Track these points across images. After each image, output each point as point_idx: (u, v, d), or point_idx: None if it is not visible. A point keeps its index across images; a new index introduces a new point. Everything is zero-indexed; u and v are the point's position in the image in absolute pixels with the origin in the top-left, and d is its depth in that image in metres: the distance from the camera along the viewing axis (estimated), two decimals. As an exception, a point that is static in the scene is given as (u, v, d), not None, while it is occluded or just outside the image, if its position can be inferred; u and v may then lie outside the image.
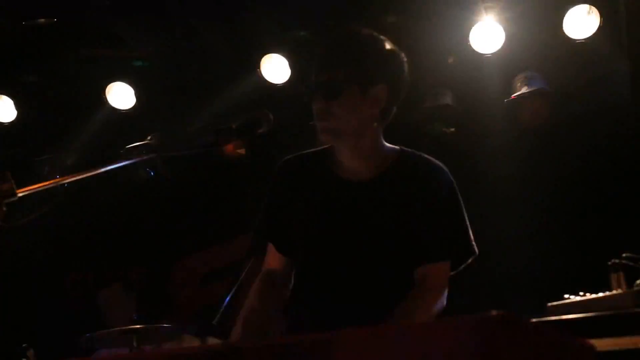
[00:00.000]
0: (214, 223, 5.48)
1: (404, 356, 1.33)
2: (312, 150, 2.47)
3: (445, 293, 2.34)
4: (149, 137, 5.39)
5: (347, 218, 2.35)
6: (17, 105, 4.90)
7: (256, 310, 2.39)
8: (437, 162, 2.43)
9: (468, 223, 2.39)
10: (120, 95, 4.82)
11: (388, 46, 2.36)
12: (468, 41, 4.29)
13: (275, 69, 4.58)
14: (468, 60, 4.45)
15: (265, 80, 4.60)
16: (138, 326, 3.93)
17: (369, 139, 2.35)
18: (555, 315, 2.81)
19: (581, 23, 4.15)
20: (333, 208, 2.37)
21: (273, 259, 2.48)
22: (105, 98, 4.80)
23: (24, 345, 3.67)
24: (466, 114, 4.77)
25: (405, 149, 2.45)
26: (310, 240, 2.38)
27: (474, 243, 2.38)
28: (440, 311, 2.31)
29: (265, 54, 4.53)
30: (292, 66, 4.52)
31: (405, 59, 2.39)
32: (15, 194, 2.05)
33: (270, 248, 2.49)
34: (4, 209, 2.01)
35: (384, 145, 2.41)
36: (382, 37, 2.38)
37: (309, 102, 2.31)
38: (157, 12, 4.17)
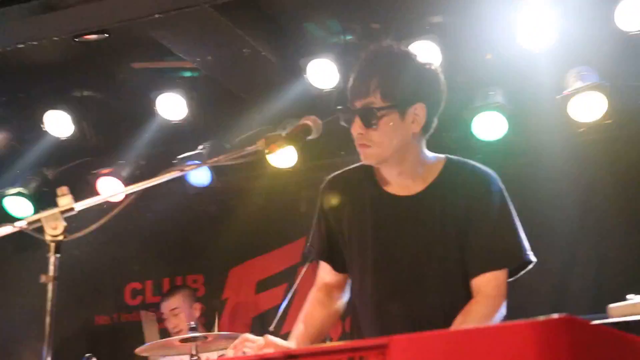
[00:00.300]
0: (267, 229, 5.52)
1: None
2: (357, 165, 2.47)
3: (504, 302, 2.31)
4: (200, 147, 5.48)
5: (399, 233, 2.36)
6: (74, 120, 5.02)
7: (315, 318, 2.44)
8: (485, 169, 2.41)
9: (519, 229, 2.35)
10: (172, 106, 4.89)
11: (421, 62, 2.35)
12: (517, 38, 4.22)
13: (323, 74, 4.58)
14: (518, 57, 4.38)
15: (313, 86, 4.60)
16: (197, 334, 3.96)
17: (412, 156, 2.36)
18: (617, 317, 2.75)
19: (635, 14, 4.04)
20: (384, 224, 2.38)
21: (327, 275, 2.51)
22: (157, 109, 4.88)
23: (87, 355, 3.75)
24: (518, 112, 4.69)
25: (451, 157, 2.44)
26: (365, 257, 2.39)
27: (527, 249, 2.35)
28: (500, 321, 2.28)
29: (312, 59, 4.54)
30: (340, 71, 4.51)
31: (439, 71, 2.38)
32: (74, 208, 2.11)
33: (324, 265, 2.52)
34: (64, 222, 2.08)
35: (428, 156, 2.41)
36: (413, 52, 2.38)
37: (347, 126, 2.32)
38: (203, 23, 4.21)
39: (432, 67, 2.38)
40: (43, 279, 2.10)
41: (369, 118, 2.27)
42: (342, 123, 2.35)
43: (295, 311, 2.61)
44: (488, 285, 2.29)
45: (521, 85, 4.67)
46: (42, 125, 5.02)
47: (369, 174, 2.43)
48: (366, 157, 2.34)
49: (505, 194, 2.37)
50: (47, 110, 5.00)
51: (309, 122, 2.37)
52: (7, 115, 5.21)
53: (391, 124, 2.27)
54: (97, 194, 5.04)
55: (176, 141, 5.11)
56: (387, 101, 2.27)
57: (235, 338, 4.20)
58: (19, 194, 5.40)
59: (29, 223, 2.10)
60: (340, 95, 4.36)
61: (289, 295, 3.68)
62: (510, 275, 2.34)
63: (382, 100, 2.27)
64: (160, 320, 5.22)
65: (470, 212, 2.31)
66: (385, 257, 2.36)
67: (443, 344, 1.45)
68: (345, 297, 2.52)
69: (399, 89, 2.28)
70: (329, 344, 1.56)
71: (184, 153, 4.94)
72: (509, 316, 2.26)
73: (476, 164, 2.43)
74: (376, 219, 2.39)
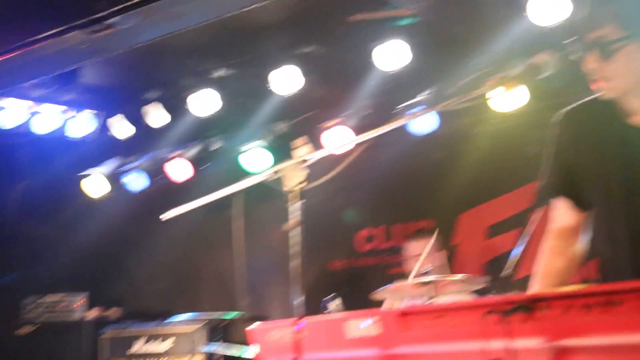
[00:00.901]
0: (496, 174, 5.42)
1: None
2: (594, 97, 2.32)
3: None
4: (422, 94, 5.46)
5: None
6: (301, 75, 5.23)
7: (553, 270, 2.36)
8: None
9: None
10: (392, 55, 4.90)
11: None
12: None
13: (547, 8, 4.32)
14: None
15: (538, 23, 4.37)
16: (434, 277, 4.01)
17: None
18: None
19: None
20: (634, 158, 2.22)
21: (564, 214, 2.41)
22: (377, 59, 4.93)
23: (332, 295, 3.96)
24: None
25: None
26: (614, 194, 2.26)
27: None
28: None
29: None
30: (567, 3, 4.23)
31: None
32: (314, 157, 2.21)
33: (561, 204, 2.42)
34: (306, 170, 2.19)
35: None
36: None
37: (580, 60, 2.19)
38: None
39: None
40: (286, 227, 2.23)
41: (605, 51, 2.14)
42: (574, 58, 2.22)
43: (529, 257, 2.53)
44: None
45: None
46: (268, 84, 5.28)
47: (609, 106, 2.28)
48: (605, 92, 2.21)
49: None
50: (274, 68, 5.24)
51: (540, 60, 2.27)
52: (238, 75, 5.54)
53: (630, 55, 2.13)
54: (323, 145, 5.24)
55: (398, 89, 5.15)
56: (625, 31, 2.12)
57: (468, 282, 4.22)
58: (260, 146, 5.76)
59: (274, 172, 2.23)
60: (569, 28, 4.09)
61: (523, 241, 3.59)
62: None
63: (620, 31, 2.12)
64: (391, 265, 5.34)
65: None
66: (638, 192, 2.21)
67: None
68: (584, 239, 2.41)
69: (638, 16, 2.11)
70: (582, 287, 1.50)
71: (406, 100, 4.97)
72: None
73: None
74: (624, 153, 2.25)
